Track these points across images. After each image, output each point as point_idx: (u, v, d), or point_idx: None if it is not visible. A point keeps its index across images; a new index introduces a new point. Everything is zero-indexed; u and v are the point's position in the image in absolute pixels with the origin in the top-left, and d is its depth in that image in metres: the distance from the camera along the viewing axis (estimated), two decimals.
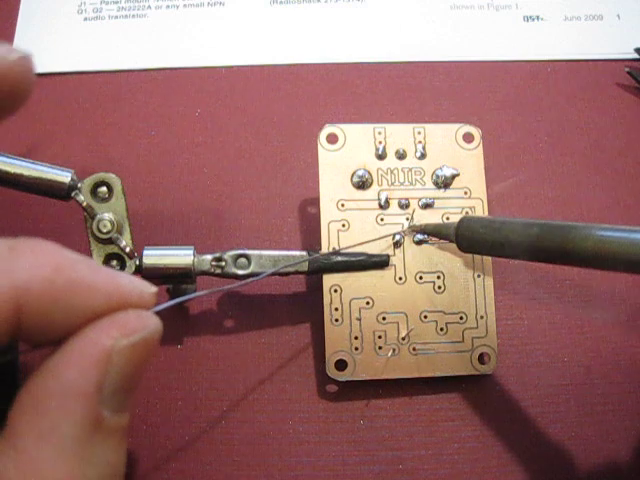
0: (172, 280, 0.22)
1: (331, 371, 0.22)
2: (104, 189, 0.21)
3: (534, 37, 0.29)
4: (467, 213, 0.23)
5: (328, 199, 0.23)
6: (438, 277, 0.22)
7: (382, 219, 0.23)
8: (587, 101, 0.28)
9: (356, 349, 0.22)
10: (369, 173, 0.23)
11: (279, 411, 0.23)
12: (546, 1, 0.30)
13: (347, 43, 0.29)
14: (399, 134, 0.23)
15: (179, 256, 0.21)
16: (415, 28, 0.30)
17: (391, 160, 0.23)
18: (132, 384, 0.14)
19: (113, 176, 0.21)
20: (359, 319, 0.22)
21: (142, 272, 0.21)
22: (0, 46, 0.15)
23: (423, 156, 0.23)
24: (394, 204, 0.23)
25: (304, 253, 0.22)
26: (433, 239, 0.22)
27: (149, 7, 0.30)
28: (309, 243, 0.25)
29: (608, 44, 0.29)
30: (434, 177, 0.23)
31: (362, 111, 0.28)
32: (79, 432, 0.13)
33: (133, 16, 0.30)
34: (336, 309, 0.22)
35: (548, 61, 0.29)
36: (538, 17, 0.30)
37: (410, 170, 0.23)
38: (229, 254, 0.21)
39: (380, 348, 0.22)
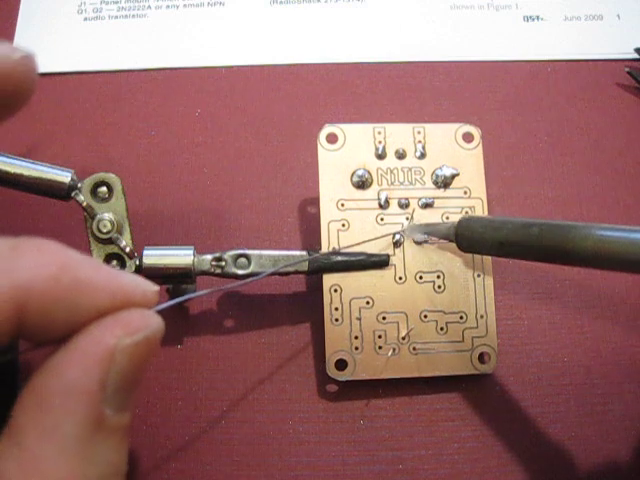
0: (172, 280, 0.22)
1: (331, 371, 0.22)
2: (104, 189, 0.21)
3: (534, 37, 0.29)
4: (467, 213, 0.23)
5: (328, 199, 0.23)
6: (438, 277, 0.22)
7: (382, 219, 0.23)
8: (587, 101, 0.28)
9: (356, 349, 0.22)
10: (369, 173, 0.23)
11: (279, 411, 0.23)
12: (546, 1, 0.30)
13: (347, 43, 0.29)
14: (399, 134, 0.23)
15: (179, 256, 0.21)
16: (415, 28, 0.30)
17: (391, 160, 0.23)
18: (134, 383, 0.14)
19: (113, 176, 0.21)
20: (359, 319, 0.22)
21: (142, 272, 0.21)
22: (3, 45, 0.15)
23: (423, 156, 0.23)
24: (394, 204, 0.23)
25: (304, 253, 0.22)
26: (433, 239, 0.22)
27: (149, 7, 0.30)
28: (309, 243, 0.25)
29: (608, 44, 0.29)
30: (434, 177, 0.23)
31: (362, 111, 0.28)
32: (81, 431, 0.13)
33: (133, 16, 0.30)
34: (336, 309, 0.22)
35: (548, 61, 0.29)
36: (538, 17, 0.30)
37: (410, 170, 0.23)
38: (229, 254, 0.21)
39: (380, 348, 0.22)
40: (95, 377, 0.13)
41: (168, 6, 0.30)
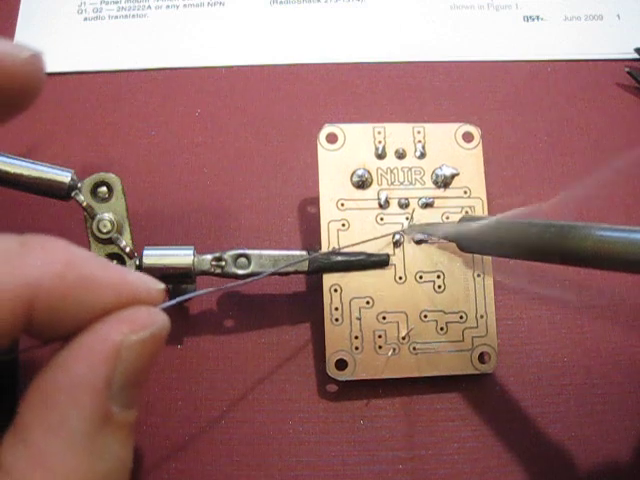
0: (172, 280, 0.22)
1: (331, 371, 0.22)
2: (104, 189, 0.21)
3: (534, 37, 0.29)
4: (467, 212, 0.23)
5: (328, 199, 0.23)
6: (438, 276, 0.22)
7: (382, 218, 0.23)
8: (587, 101, 0.28)
9: (356, 349, 0.22)
10: (369, 173, 0.23)
11: (279, 411, 0.23)
12: (546, 1, 0.30)
13: (347, 43, 0.29)
14: (399, 134, 0.23)
15: (179, 256, 0.21)
16: (415, 28, 0.30)
17: (391, 160, 0.23)
18: (140, 379, 0.14)
19: (113, 176, 0.21)
20: (359, 319, 0.22)
21: (142, 272, 0.21)
22: (11, 44, 0.15)
23: (423, 155, 0.23)
24: (394, 203, 0.23)
25: (304, 253, 0.22)
26: (433, 238, 0.22)
27: (149, 7, 0.30)
28: (309, 243, 0.25)
29: (608, 44, 0.29)
30: (434, 176, 0.23)
31: (362, 111, 0.28)
32: (88, 427, 0.13)
33: (133, 16, 0.30)
34: (336, 309, 0.22)
35: (548, 61, 0.29)
36: (538, 17, 0.30)
37: (410, 169, 0.23)
38: (229, 254, 0.21)
39: (380, 348, 0.22)
40: (101, 374, 0.13)
41: (168, 6, 0.30)
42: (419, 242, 0.23)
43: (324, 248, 0.22)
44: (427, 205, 0.23)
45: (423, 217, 0.23)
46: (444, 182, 0.23)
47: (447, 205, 0.23)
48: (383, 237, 0.22)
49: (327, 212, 0.22)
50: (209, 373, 0.23)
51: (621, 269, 0.15)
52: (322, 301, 0.22)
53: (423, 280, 0.22)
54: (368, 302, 0.22)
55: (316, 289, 0.23)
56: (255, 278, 0.21)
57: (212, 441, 0.22)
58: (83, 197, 0.21)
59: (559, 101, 0.28)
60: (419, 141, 0.23)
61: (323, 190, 0.23)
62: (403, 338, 0.22)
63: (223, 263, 0.21)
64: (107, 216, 0.21)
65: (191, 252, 0.21)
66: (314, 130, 0.23)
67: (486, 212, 0.23)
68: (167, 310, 0.15)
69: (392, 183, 0.23)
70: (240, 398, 0.23)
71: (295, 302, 0.24)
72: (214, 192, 0.26)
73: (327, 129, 0.23)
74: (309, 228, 0.25)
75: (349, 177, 0.23)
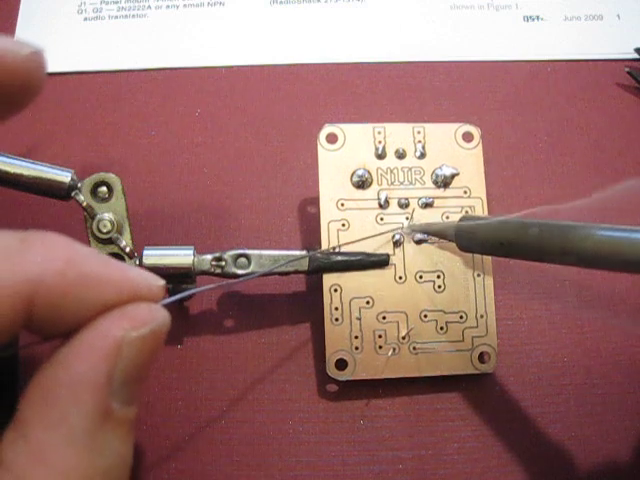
0: (172, 280, 0.22)
1: (331, 370, 0.22)
2: (104, 189, 0.21)
3: (534, 37, 0.29)
4: (467, 212, 0.23)
5: (328, 199, 0.23)
6: (438, 276, 0.22)
7: (382, 218, 0.23)
8: (587, 101, 0.28)
9: (356, 348, 0.22)
10: (369, 173, 0.23)
11: (279, 411, 0.23)
12: (546, 1, 0.30)
13: (347, 43, 0.29)
14: (399, 134, 0.23)
15: (179, 256, 0.21)
16: (415, 28, 0.30)
17: (391, 160, 0.23)
18: (141, 376, 0.14)
19: (113, 176, 0.21)
20: (359, 318, 0.22)
21: None
22: (12, 41, 0.15)
23: (423, 155, 0.23)
24: (394, 203, 0.23)
25: (304, 253, 0.22)
26: (433, 238, 0.22)
27: (149, 7, 0.30)
28: (309, 243, 0.25)
29: (608, 44, 0.29)
30: (434, 176, 0.23)
31: (362, 111, 0.28)
32: (89, 423, 0.13)
33: (133, 16, 0.30)
34: (336, 309, 0.22)
35: (548, 61, 0.29)
36: (538, 17, 0.30)
37: (410, 169, 0.23)
38: (229, 254, 0.21)
39: (380, 347, 0.22)
40: (102, 370, 0.13)
41: (168, 6, 0.30)
42: (419, 242, 0.23)
43: (324, 248, 0.22)
44: (427, 205, 0.23)
45: (423, 217, 0.23)
46: (444, 182, 0.23)
47: (447, 205, 0.23)
48: (383, 234, 0.22)
49: (327, 212, 0.22)
50: (209, 373, 0.23)
51: (621, 269, 0.15)
52: (322, 301, 0.22)
53: (423, 280, 0.22)
54: (368, 302, 0.22)
55: (316, 289, 0.23)
56: (256, 275, 0.21)
57: (212, 441, 0.22)
58: (83, 197, 0.21)
59: (559, 101, 0.28)
60: (419, 141, 0.23)
61: (323, 190, 0.23)
62: (403, 338, 0.22)
63: (223, 263, 0.21)
64: (107, 216, 0.21)
65: (191, 252, 0.21)
66: (314, 130, 0.23)
67: (486, 212, 0.23)
68: (167, 309, 0.15)
69: (392, 183, 0.23)
70: (240, 398, 0.23)
71: (295, 302, 0.24)
72: (214, 192, 0.26)
73: (327, 129, 0.23)
74: (309, 228, 0.25)
75: (349, 177, 0.23)
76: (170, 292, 0.22)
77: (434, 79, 0.28)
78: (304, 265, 0.22)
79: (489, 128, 0.26)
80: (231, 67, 0.29)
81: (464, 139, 0.24)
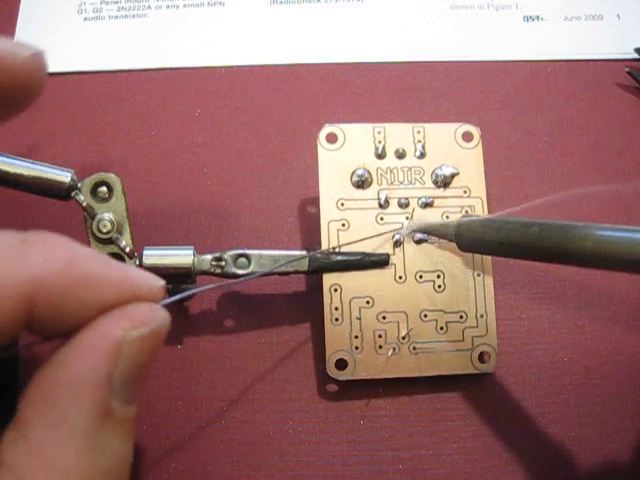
0: (172, 280, 0.22)
1: (331, 370, 0.22)
2: (104, 189, 0.21)
3: (534, 37, 0.29)
4: (467, 212, 0.23)
5: (328, 199, 0.23)
6: (438, 276, 0.22)
7: (382, 218, 0.23)
8: (587, 101, 0.28)
9: (356, 348, 0.22)
10: (369, 172, 0.23)
11: (279, 411, 0.23)
12: (546, 1, 0.30)
13: (347, 43, 0.29)
14: (399, 133, 0.23)
15: (179, 256, 0.21)
16: (415, 28, 0.30)
17: (391, 159, 0.23)
18: (141, 376, 0.14)
19: (113, 176, 0.21)
20: (359, 318, 0.22)
21: None
22: (13, 43, 0.15)
23: (423, 155, 0.23)
24: (394, 203, 0.23)
25: (304, 253, 0.22)
26: (433, 238, 0.22)
27: (149, 7, 0.30)
28: (309, 243, 0.25)
29: (608, 44, 0.29)
30: (434, 176, 0.23)
31: (362, 111, 0.28)
32: (89, 423, 0.13)
33: (133, 16, 0.30)
34: (336, 308, 0.22)
35: (548, 61, 0.29)
36: (538, 17, 0.30)
37: (410, 169, 0.23)
38: (229, 254, 0.21)
39: (380, 347, 0.22)
40: (102, 369, 0.13)
41: (168, 6, 0.30)
42: (419, 242, 0.23)
43: (324, 248, 0.22)
44: (427, 205, 0.23)
45: (423, 217, 0.23)
46: (444, 182, 0.23)
47: (447, 205, 0.23)
48: (382, 235, 0.22)
49: (327, 212, 0.22)
50: (209, 373, 0.23)
51: (621, 269, 0.15)
52: (322, 301, 0.22)
53: (423, 280, 0.22)
54: (368, 302, 0.22)
55: (316, 289, 0.23)
56: (256, 275, 0.21)
57: (212, 441, 0.22)
58: (83, 197, 0.21)
59: (559, 101, 0.28)
60: (419, 141, 0.23)
61: (323, 190, 0.23)
62: (403, 338, 0.22)
63: (223, 263, 0.21)
64: (107, 216, 0.21)
65: (191, 252, 0.21)
66: (314, 130, 0.23)
67: (486, 212, 0.23)
68: (167, 309, 0.15)
69: (392, 183, 0.23)
70: (240, 398, 0.23)
71: (295, 302, 0.24)
72: (214, 192, 0.26)
73: (327, 129, 0.23)
74: (309, 228, 0.25)
75: (349, 177, 0.23)
76: (170, 292, 0.22)
77: (434, 79, 0.28)
78: (304, 265, 0.22)
79: (489, 128, 0.26)
80: (231, 67, 0.29)
81: (464, 139, 0.24)
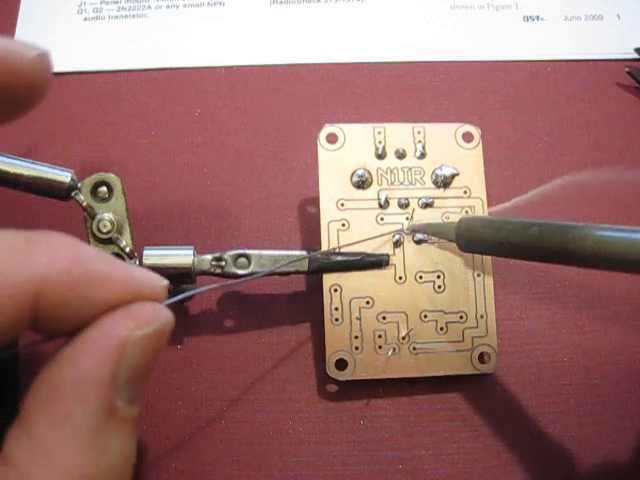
0: (172, 280, 0.22)
1: (331, 370, 0.22)
2: (104, 189, 0.21)
3: (534, 37, 0.29)
4: (467, 212, 0.23)
5: (328, 199, 0.23)
6: (438, 276, 0.22)
7: (382, 218, 0.23)
8: (587, 101, 0.28)
9: (356, 348, 0.22)
10: (369, 173, 0.23)
11: (279, 411, 0.23)
12: (546, 1, 0.30)
13: (347, 43, 0.29)
14: (399, 134, 0.23)
15: (179, 256, 0.21)
16: (415, 28, 0.30)
17: (391, 160, 0.23)
18: (145, 375, 0.14)
19: (113, 176, 0.21)
20: (359, 318, 0.22)
21: None
22: (19, 43, 0.15)
23: (423, 156, 0.23)
24: (394, 203, 0.23)
25: (304, 253, 0.22)
26: (433, 238, 0.22)
27: (149, 7, 0.30)
28: (309, 243, 0.25)
29: (608, 44, 0.29)
30: (434, 176, 0.23)
31: (362, 111, 0.28)
32: (93, 421, 0.13)
33: (133, 16, 0.30)
34: (336, 309, 0.22)
35: (548, 61, 0.29)
36: (538, 17, 0.30)
37: (410, 169, 0.23)
38: (229, 254, 0.21)
39: (380, 347, 0.22)
40: (107, 368, 0.13)
41: (168, 6, 0.30)
42: (419, 242, 0.23)
43: (324, 248, 0.22)
44: (427, 205, 0.23)
45: (423, 217, 0.23)
46: (444, 182, 0.23)
47: (447, 205, 0.23)
48: (383, 236, 0.22)
49: (327, 212, 0.22)
50: (209, 373, 0.23)
51: (621, 269, 0.15)
52: (322, 301, 0.22)
53: (423, 280, 0.22)
54: (368, 302, 0.22)
55: (316, 289, 0.23)
56: (257, 275, 0.21)
57: (212, 441, 0.22)
58: (83, 197, 0.21)
59: (559, 101, 0.28)
60: (419, 141, 0.23)
61: (323, 190, 0.23)
62: (403, 338, 0.22)
63: (223, 263, 0.21)
64: (107, 216, 0.21)
65: (191, 252, 0.21)
66: (314, 130, 0.23)
67: (486, 212, 0.23)
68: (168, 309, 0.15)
69: (392, 183, 0.23)
70: (240, 398, 0.23)
71: (295, 302, 0.24)
72: (214, 192, 0.26)
73: (327, 129, 0.23)
74: (309, 228, 0.25)
75: (349, 177, 0.23)
76: (170, 292, 0.22)
77: (434, 79, 0.28)
78: (304, 265, 0.22)
79: (489, 128, 0.26)
80: (231, 67, 0.29)
81: (464, 139, 0.24)
